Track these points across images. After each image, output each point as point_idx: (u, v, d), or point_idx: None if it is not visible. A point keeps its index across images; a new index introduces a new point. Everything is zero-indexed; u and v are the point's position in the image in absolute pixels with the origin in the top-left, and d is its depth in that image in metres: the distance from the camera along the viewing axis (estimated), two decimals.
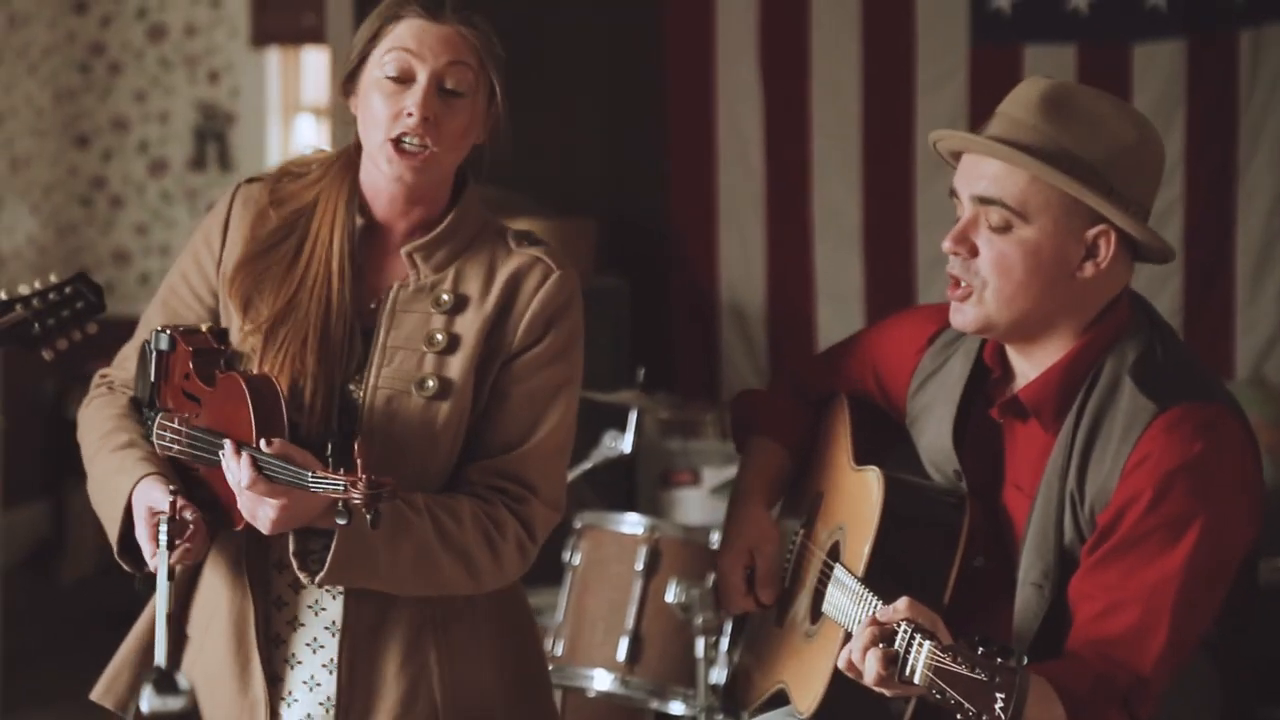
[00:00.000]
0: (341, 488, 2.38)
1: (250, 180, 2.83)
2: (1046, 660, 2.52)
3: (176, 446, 2.61)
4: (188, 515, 2.57)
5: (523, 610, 2.88)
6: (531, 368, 2.71)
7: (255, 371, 2.64)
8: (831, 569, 2.81)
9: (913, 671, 2.35)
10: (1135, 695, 2.50)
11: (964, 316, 2.68)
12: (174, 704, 1.68)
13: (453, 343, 2.68)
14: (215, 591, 2.75)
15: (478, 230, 2.77)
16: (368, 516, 2.36)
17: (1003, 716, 2.23)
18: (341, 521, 2.41)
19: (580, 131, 6.77)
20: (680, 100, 6.71)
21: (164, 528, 2.54)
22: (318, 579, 2.56)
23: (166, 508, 2.55)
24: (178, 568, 2.59)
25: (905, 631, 2.38)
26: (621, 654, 4.11)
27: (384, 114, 2.65)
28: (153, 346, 2.69)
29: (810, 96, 6.54)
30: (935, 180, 6.07)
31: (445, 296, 2.70)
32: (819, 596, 2.84)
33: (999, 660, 2.26)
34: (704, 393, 6.57)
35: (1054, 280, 2.61)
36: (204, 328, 2.72)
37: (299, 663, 2.73)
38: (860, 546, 2.75)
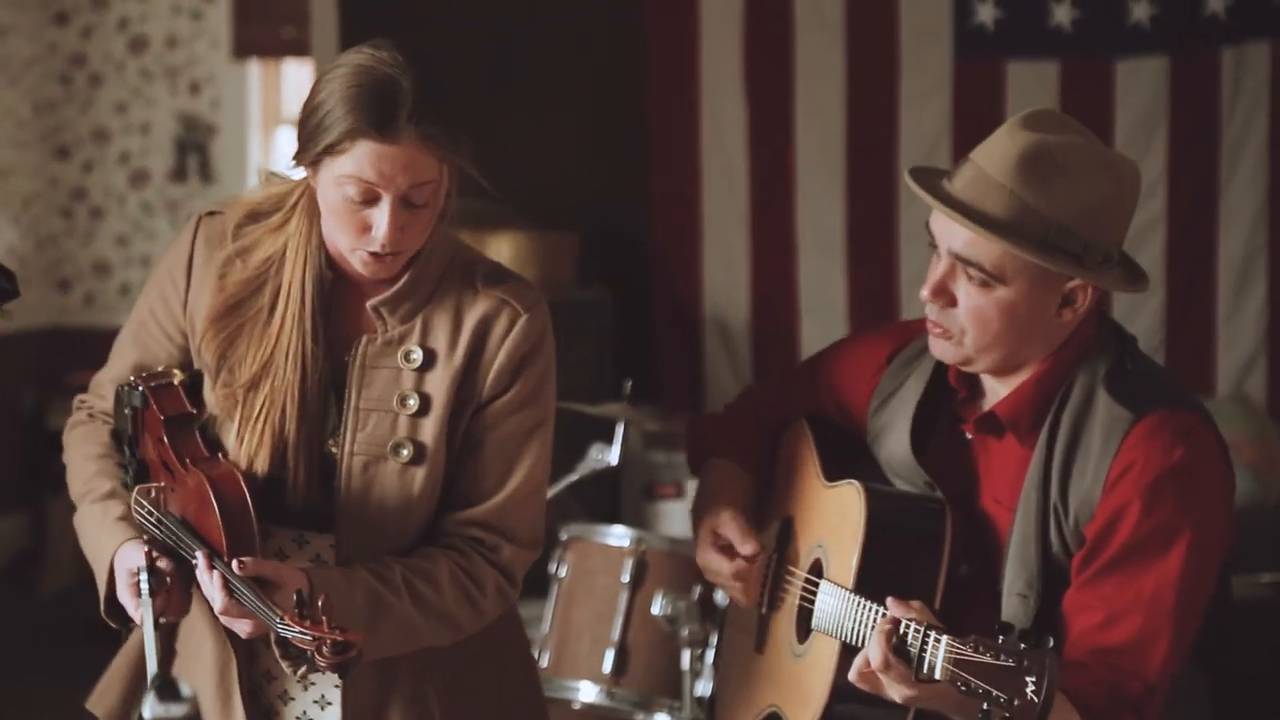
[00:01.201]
0: (310, 640, 2.35)
1: (211, 213, 2.75)
2: None
3: (156, 531, 2.60)
4: (162, 565, 2.56)
5: (516, 629, 2.90)
6: (502, 414, 2.70)
7: (220, 465, 2.61)
8: (816, 585, 2.80)
9: (931, 668, 2.35)
10: (1145, 703, 2.52)
11: (943, 352, 2.72)
12: (176, 711, 1.67)
13: (424, 404, 2.65)
14: (199, 640, 2.74)
15: (444, 271, 2.71)
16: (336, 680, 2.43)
17: (1036, 699, 2.23)
18: (299, 670, 2.45)
19: (563, 144, 6.77)
20: (663, 113, 6.72)
21: (144, 578, 2.54)
22: (299, 673, 2.53)
23: (144, 571, 2.55)
24: (161, 620, 2.59)
25: (917, 630, 2.39)
26: (607, 666, 4.11)
27: (349, 228, 2.59)
28: (126, 403, 2.67)
29: (794, 111, 6.55)
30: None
31: (414, 353, 2.66)
32: (805, 615, 2.83)
33: (1024, 645, 2.26)
34: (688, 405, 6.57)
35: (1030, 328, 2.65)
36: (176, 379, 2.69)
37: (291, 699, 2.74)
38: (847, 559, 2.74)
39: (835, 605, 2.71)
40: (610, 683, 4.11)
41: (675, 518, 5.90)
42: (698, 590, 3.99)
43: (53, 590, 7.07)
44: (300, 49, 7.59)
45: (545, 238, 6.13)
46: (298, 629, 2.35)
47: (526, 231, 5.99)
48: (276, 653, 2.50)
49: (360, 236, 2.58)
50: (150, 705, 1.67)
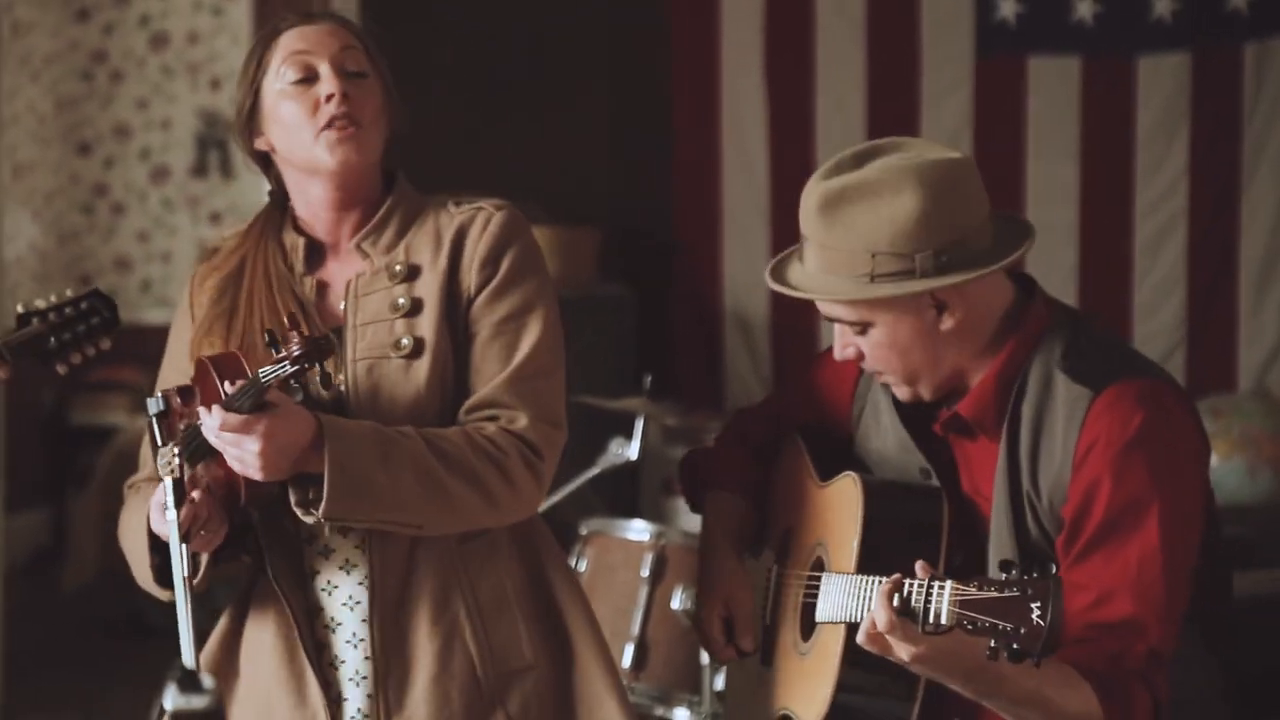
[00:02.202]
0: (285, 359, 2.43)
1: (201, 260, 2.89)
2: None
3: (177, 460, 2.61)
4: (185, 484, 2.58)
5: (551, 555, 2.87)
6: (492, 300, 2.73)
7: None
8: (818, 581, 2.81)
9: (938, 615, 2.35)
10: (1150, 668, 2.52)
11: (898, 392, 2.78)
12: (198, 703, 1.67)
13: (416, 305, 2.71)
14: (260, 622, 2.78)
15: (418, 207, 2.81)
16: (317, 374, 2.45)
17: (1041, 623, 2.23)
18: (297, 398, 2.49)
19: (585, 140, 6.77)
20: (685, 110, 6.72)
21: (168, 491, 2.56)
22: (321, 511, 2.56)
23: (167, 480, 2.57)
24: (194, 535, 2.59)
25: (921, 585, 2.39)
26: (627, 660, 4.11)
27: (303, 113, 2.71)
28: (150, 414, 2.69)
29: (815, 106, 6.55)
30: None
31: (399, 267, 2.74)
32: (809, 613, 2.83)
33: (1026, 576, 2.27)
34: (708, 400, 6.57)
35: (928, 346, 2.68)
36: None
37: (342, 662, 2.74)
38: (848, 546, 2.75)
39: (838, 591, 2.71)
40: (630, 677, 4.10)
41: (695, 514, 5.88)
42: None
43: (74, 586, 7.08)
44: None
45: (567, 234, 6.13)
46: (274, 362, 2.44)
47: (548, 227, 5.98)
48: (298, 512, 2.59)
49: (315, 113, 2.70)
50: (171, 697, 1.67)
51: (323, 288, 2.78)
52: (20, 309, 2.89)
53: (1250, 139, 6.24)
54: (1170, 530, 2.55)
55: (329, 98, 2.69)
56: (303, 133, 2.71)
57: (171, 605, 2.65)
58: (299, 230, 2.80)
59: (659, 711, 4.12)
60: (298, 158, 2.74)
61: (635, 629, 4.13)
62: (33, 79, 7.89)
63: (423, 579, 2.72)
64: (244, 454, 2.53)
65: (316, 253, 2.81)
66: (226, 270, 2.81)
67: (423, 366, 2.69)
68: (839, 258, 2.64)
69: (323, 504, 2.56)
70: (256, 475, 2.54)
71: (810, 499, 2.94)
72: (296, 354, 2.41)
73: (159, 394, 2.69)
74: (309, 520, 2.60)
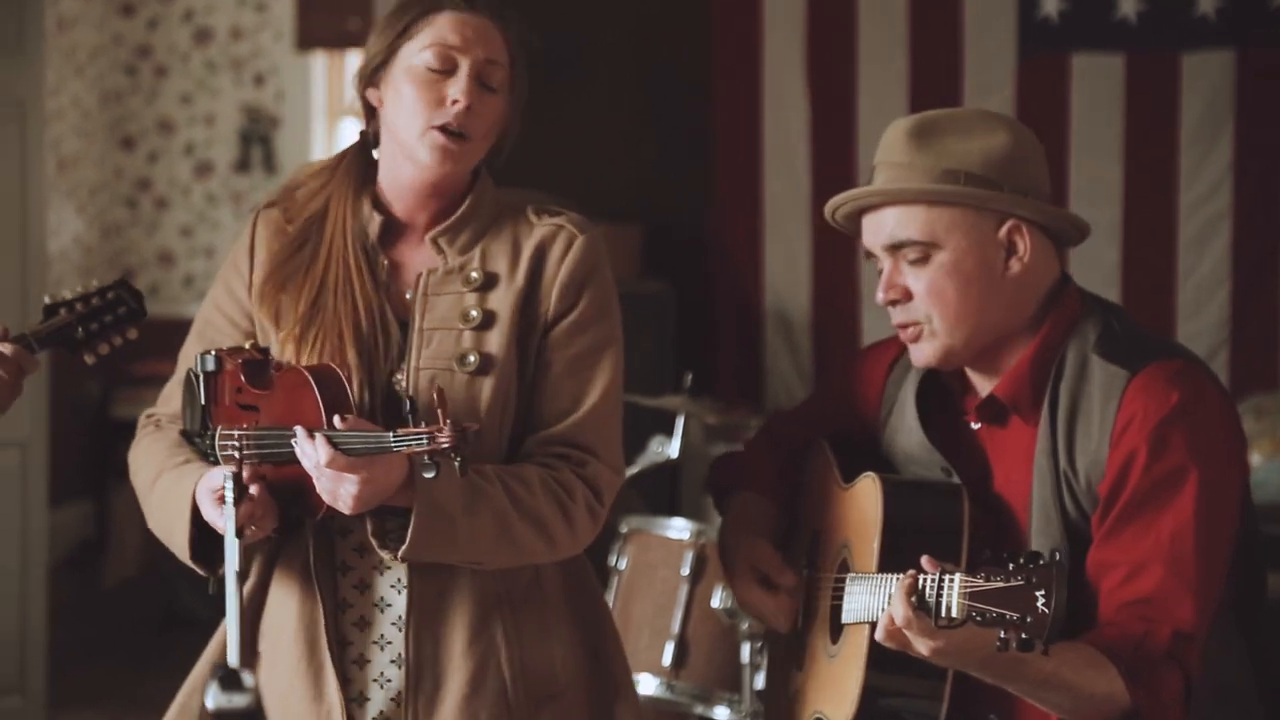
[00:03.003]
0: (424, 439, 2.36)
1: (267, 205, 2.84)
2: (1075, 633, 2.54)
3: (245, 452, 2.60)
4: (246, 478, 2.57)
5: (590, 584, 2.87)
6: (571, 333, 2.72)
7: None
8: (844, 583, 2.81)
9: (949, 608, 2.36)
10: (1181, 648, 2.52)
11: (922, 354, 2.75)
12: (239, 701, 1.67)
13: (488, 318, 2.69)
14: (284, 605, 2.75)
15: (498, 210, 2.78)
16: (455, 462, 2.36)
17: (1046, 610, 2.25)
18: (429, 475, 2.40)
19: (626, 137, 6.77)
20: (726, 107, 6.72)
21: (229, 483, 2.54)
22: (400, 554, 2.55)
23: (228, 475, 2.55)
24: (247, 530, 2.58)
25: (932, 578, 2.40)
26: (667, 659, 4.11)
27: (424, 102, 2.67)
28: (199, 369, 2.66)
29: (857, 104, 6.54)
30: None
31: (474, 274, 2.71)
32: (837, 615, 2.83)
33: (1030, 565, 2.28)
34: (749, 398, 6.57)
35: (987, 288, 2.69)
36: (247, 345, 2.70)
37: (368, 661, 2.72)
38: (869, 546, 2.75)
39: (863, 591, 2.71)
40: (670, 675, 4.11)
41: None
42: None
43: (116, 580, 7.12)
44: (364, 41, 7.59)
45: (608, 231, 6.08)
46: (413, 432, 2.38)
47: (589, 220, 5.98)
48: (375, 543, 2.58)
49: (436, 109, 2.66)
50: (213, 695, 1.67)
51: (394, 269, 2.76)
52: (47, 299, 2.91)
53: None
54: (1206, 505, 2.56)
55: (454, 103, 2.66)
56: (416, 119, 2.68)
57: (212, 597, 2.66)
58: (376, 206, 2.77)
59: (699, 710, 4.12)
60: (401, 137, 2.71)
61: (675, 627, 4.13)
62: (77, 73, 7.93)
63: (463, 594, 2.70)
64: (339, 490, 2.50)
65: (391, 230, 2.77)
66: (310, 211, 2.78)
67: (487, 385, 2.66)
68: (923, 176, 2.68)
69: (404, 547, 2.54)
70: (345, 510, 2.53)
71: (835, 501, 2.95)
72: (444, 445, 2.36)
73: (214, 352, 2.65)
74: (383, 554, 2.59)
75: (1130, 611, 2.54)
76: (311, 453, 2.48)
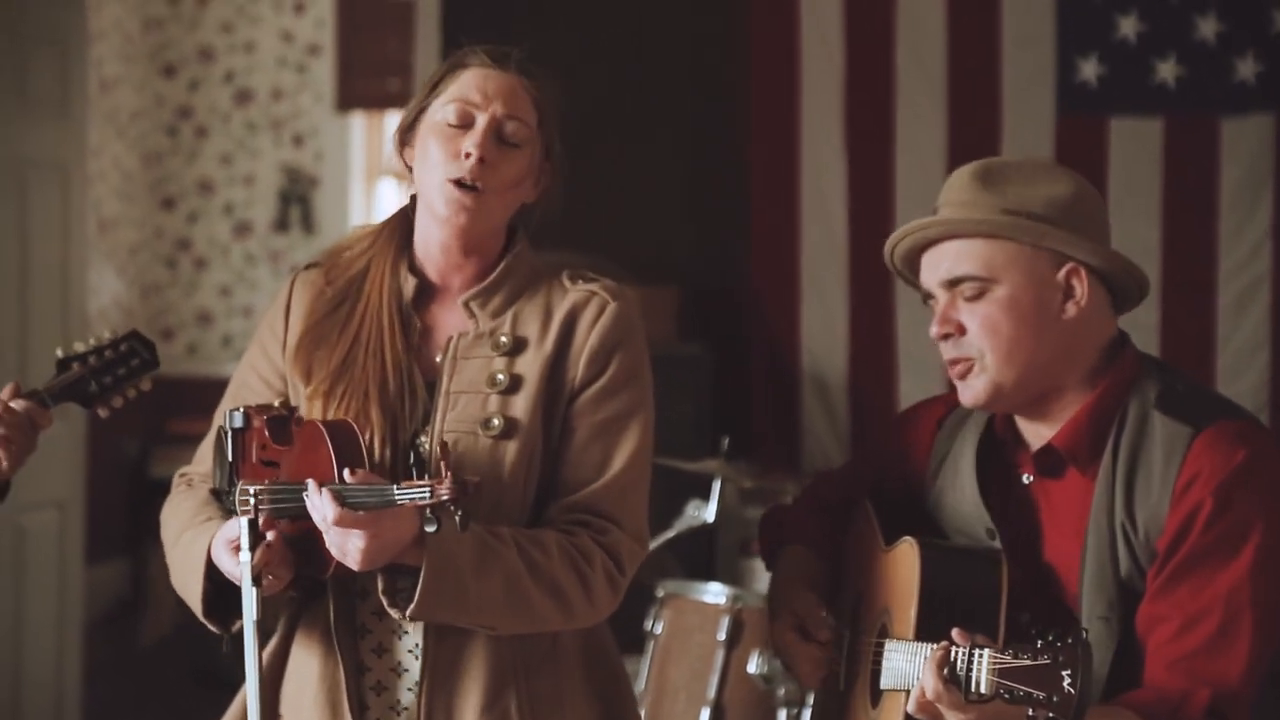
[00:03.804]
0: (426, 492, 2.36)
1: (307, 267, 2.86)
2: (1126, 690, 2.54)
3: (261, 506, 2.60)
4: (261, 527, 2.57)
5: (609, 655, 2.84)
6: (597, 400, 2.70)
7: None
8: (883, 646, 2.80)
9: (979, 684, 2.36)
10: (1226, 705, 2.51)
11: (972, 391, 2.74)
12: None
13: (515, 383, 2.68)
14: (306, 667, 2.74)
15: (532, 275, 2.78)
16: (456, 517, 2.35)
17: (1071, 690, 2.24)
18: (430, 529, 2.38)
19: (664, 199, 6.79)
20: (764, 168, 6.73)
21: (245, 530, 2.54)
22: (409, 612, 2.54)
23: (244, 522, 2.55)
24: (264, 579, 2.57)
25: (963, 652, 2.40)
26: None
27: (441, 155, 2.68)
28: (227, 427, 2.67)
29: (894, 166, 6.54)
30: None
31: (504, 339, 2.70)
32: (876, 679, 2.82)
33: (1058, 643, 2.28)
34: (785, 462, 6.55)
35: (1041, 328, 2.68)
36: (276, 403, 2.71)
37: None
38: (907, 613, 2.74)
39: (899, 658, 2.71)
40: None
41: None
42: None
43: (153, 639, 7.13)
44: (403, 101, 7.61)
45: (645, 293, 6.12)
46: (415, 486, 2.38)
47: (626, 287, 5.99)
48: (384, 601, 2.55)
49: (451, 162, 2.67)
50: None
51: (425, 332, 2.76)
52: (59, 353, 2.91)
53: None
54: (1265, 566, 2.55)
55: (466, 155, 2.66)
56: (434, 173, 2.69)
57: (235, 653, 2.64)
58: (412, 269, 2.77)
59: None
60: (422, 192, 2.73)
61: (711, 692, 4.11)
62: (119, 135, 7.98)
63: (478, 662, 2.68)
64: (347, 545, 2.50)
65: (426, 292, 2.77)
66: (353, 272, 2.79)
67: (511, 449, 2.65)
68: (985, 213, 2.69)
69: (413, 605, 2.53)
70: (353, 566, 2.52)
71: (876, 564, 2.94)
72: (444, 499, 2.35)
73: (242, 409, 2.66)
74: (393, 612, 2.57)
75: (1178, 668, 2.53)
76: (320, 506, 2.48)
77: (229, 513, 2.71)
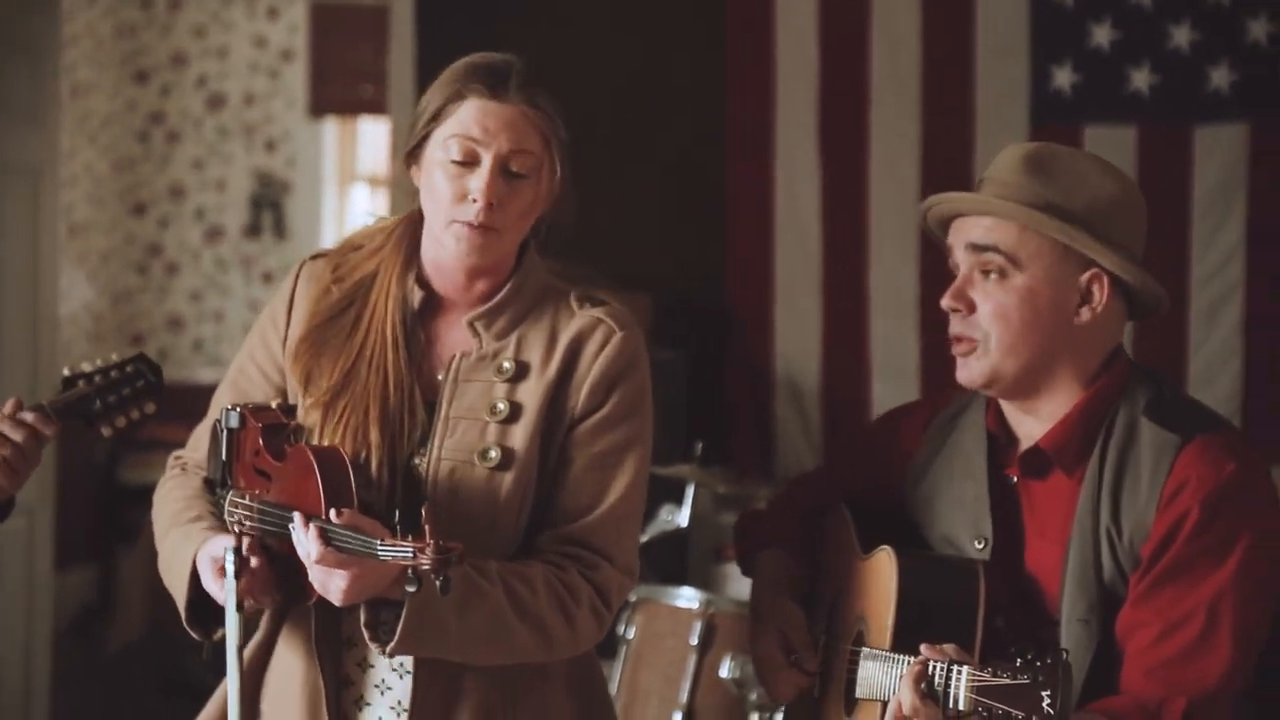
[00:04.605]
0: (410, 554, 2.33)
1: (315, 256, 2.83)
2: (1100, 696, 2.54)
3: (248, 522, 2.59)
4: (247, 550, 2.56)
5: (595, 680, 2.83)
6: (596, 431, 2.67)
7: (323, 444, 2.63)
8: (858, 654, 2.79)
9: (956, 700, 2.36)
10: (1202, 714, 2.51)
11: (969, 371, 2.74)
12: None
13: (515, 411, 2.65)
14: (288, 670, 2.72)
15: (540, 295, 2.74)
16: (437, 583, 2.32)
17: (1051, 711, 2.24)
18: (411, 589, 2.36)
19: (639, 206, 6.77)
20: (738, 176, 6.72)
21: (230, 557, 2.53)
22: (388, 649, 2.52)
23: (230, 549, 2.54)
24: (246, 603, 2.58)
25: (941, 667, 2.39)
26: None
27: (447, 196, 2.63)
28: (223, 425, 2.66)
29: (868, 174, 6.54)
30: None
31: (507, 364, 2.67)
32: (851, 686, 2.81)
33: (1039, 663, 2.28)
34: (759, 468, 6.54)
35: (1052, 327, 2.68)
36: (273, 404, 2.70)
37: None
38: (883, 622, 2.73)
39: (875, 668, 2.70)
40: None
41: (743, 580, 5.84)
42: None
43: (121, 644, 7.09)
44: (377, 107, 7.64)
45: (621, 299, 6.12)
46: (398, 545, 2.35)
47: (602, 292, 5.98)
48: (366, 634, 2.53)
49: (458, 204, 2.62)
50: None
51: (430, 345, 2.73)
52: (66, 372, 2.93)
53: None
54: (1249, 579, 2.55)
55: (474, 200, 2.61)
56: (442, 211, 2.65)
57: (219, 665, 2.64)
58: (420, 280, 2.73)
59: None
60: (431, 224, 2.69)
61: (683, 697, 4.10)
62: (90, 140, 7.96)
63: (468, 689, 2.66)
64: (329, 583, 2.49)
65: (432, 304, 2.74)
66: (362, 273, 2.75)
67: (506, 480, 2.63)
68: (1027, 200, 2.67)
69: (393, 643, 2.51)
70: (334, 602, 2.51)
71: (852, 571, 2.93)
72: (424, 567, 2.33)
73: (238, 409, 2.65)
74: (373, 646, 2.54)
75: (1155, 675, 2.53)
76: (305, 542, 2.46)
77: (219, 505, 2.71)
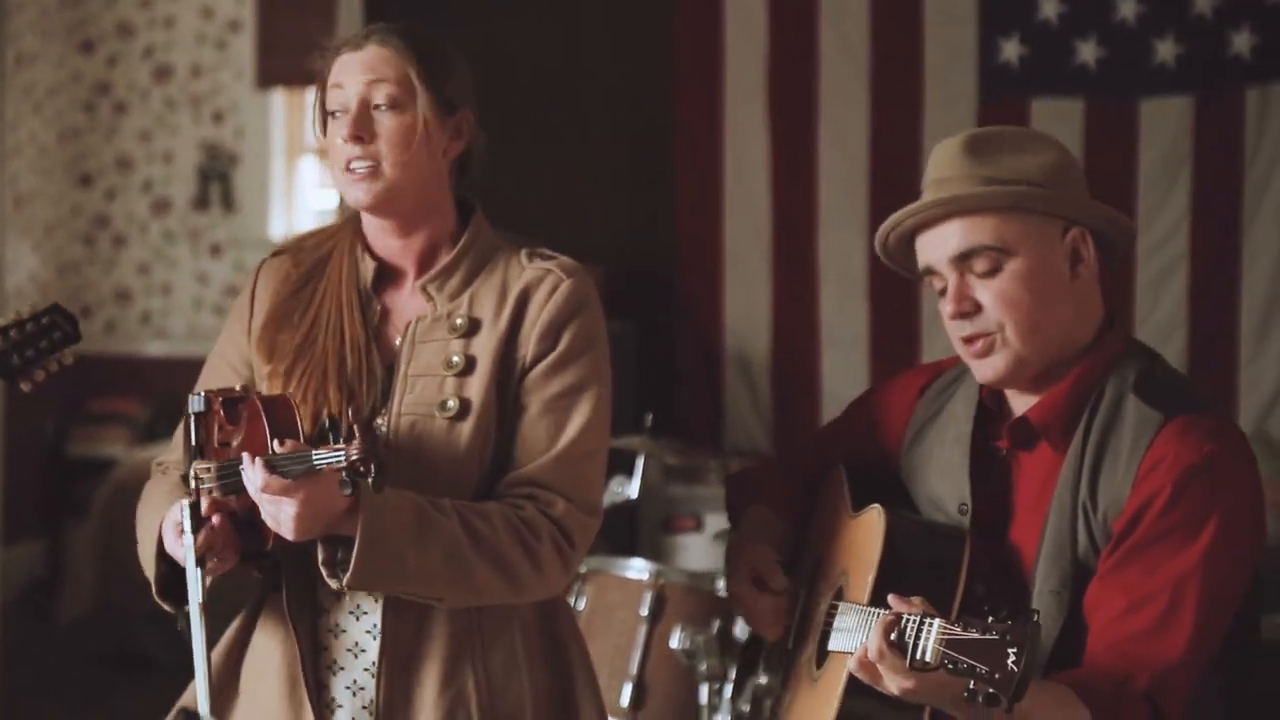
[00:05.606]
0: (340, 456, 2.38)
1: (274, 254, 2.88)
2: (1068, 668, 2.55)
3: (209, 484, 2.61)
4: (205, 509, 2.58)
5: (566, 628, 2.85)
6: (548, 375, 2.70)
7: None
8: (836, 609, 2.81)
9: (924, 652, 2.36)
10: (1162, 690, 2.52)
11: (992, 367, 2.74)
12: None
13: (469, 364, 2.68)
14: (268, 644, 2.76)
15: (490, 254, 2.79)
16: (370, 479, 2.37)
17: (1015, 669, 2.25)
18: (346, 492, 2.40)
19: (589, 178, 6.78)
20: (687, 148, 6.73)
21: (186, 513, 2.56)
22: (345, 581, 2.55)
23: (185, 505, 2.57)
24: (210, 562, 2.59)
25: (913, 619, 2.40)
26: (625, 700, 4.08)
27: (331, 146, 2.73)
28: (189, 410, 2.67)
29: (817, 145, 6.56)
30: None
31: (460, 321, 2.71)
32: (825, 641, 2.83)
33: (1009, 620, 2.29)
34: (708, 439, 6.56)
35: (1059, 296, 2.70)
36: (237, 387, 2.71)
37: (340, 706, 2.72)
38: (865, 579, 2.75)
39: (850, 621, 2.72)
40: (628, 716, 4.08)
41: (694, 551, 5.88)
42: (716, 624, 3.98)
43: (69, 618, 7.07)
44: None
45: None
46: (331, 450, 2.40)
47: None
48: (320, 557, 2.56)
49: (338, 151, 2.70)
50: None
51: (386, 314, 2.77)
52: None
53: (1252, 183, 6.24)
54: (1217, 559, 2.55)
55: (344, 140, 2.68)
56: (334, 167, 2.73)
57: (173, 638, 2.66)
58: (370, 253, 2.79)
59: None
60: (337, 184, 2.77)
61: (633, 668, 4.11)
62: (35, 110, 7.90)
63: (435, 640, 2.69)
64: (279, 514, 2.51)
65: (385, 276, 2.79)
66: (317, 256, 2.81)
67: (466, 429, 2.66)
68: (986, 181, 2.68)
69: (348, 574, 2.54)
70: (288, 535, 2.53)
71: (841, 528, 2.95)
72: (354, 459, 2.38)
73: (202, 393, 2.66)
74: (331, 583, 2.58)
75: (1118, 649, 2.54)
76: (252, 476, 2.49)
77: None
